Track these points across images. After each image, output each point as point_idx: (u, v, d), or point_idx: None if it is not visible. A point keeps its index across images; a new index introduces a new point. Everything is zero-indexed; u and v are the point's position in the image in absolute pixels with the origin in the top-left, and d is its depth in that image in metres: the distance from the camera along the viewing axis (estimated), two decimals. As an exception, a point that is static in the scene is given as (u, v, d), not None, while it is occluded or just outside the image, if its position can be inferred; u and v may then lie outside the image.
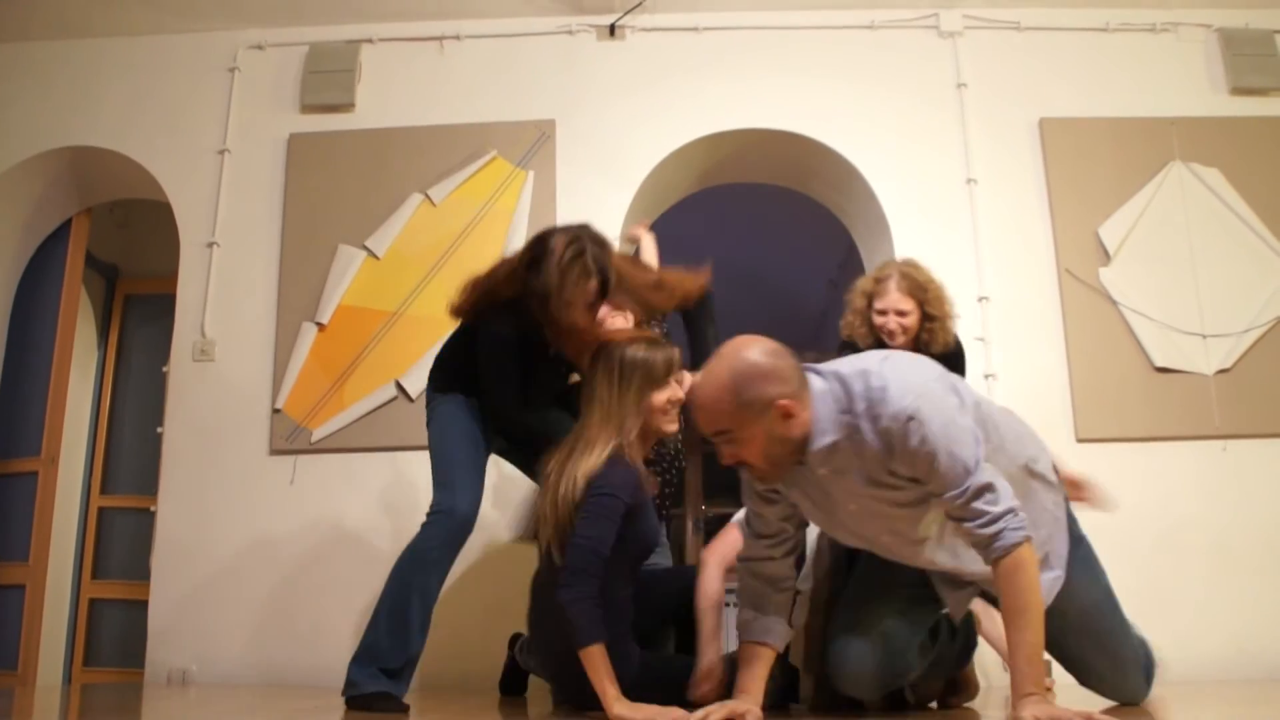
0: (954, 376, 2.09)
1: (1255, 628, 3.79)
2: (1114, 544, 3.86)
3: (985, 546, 1.90)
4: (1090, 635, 2.26)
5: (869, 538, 2.16)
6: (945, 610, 2.32)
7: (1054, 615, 2.00)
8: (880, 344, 3.30)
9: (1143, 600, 3.78)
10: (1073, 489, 2.52)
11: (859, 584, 2.38)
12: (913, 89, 4.42)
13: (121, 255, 5.61)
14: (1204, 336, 4.09)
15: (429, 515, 2.77)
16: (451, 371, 2.93)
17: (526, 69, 4.47)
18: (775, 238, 6.32)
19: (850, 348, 3.44)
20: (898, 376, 1.96)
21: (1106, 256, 4.19)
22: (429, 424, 2.92)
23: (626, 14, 4.46)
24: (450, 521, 2.74)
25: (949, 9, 4.49)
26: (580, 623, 2.14)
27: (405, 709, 2.60)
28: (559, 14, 4.52)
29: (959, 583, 2.25)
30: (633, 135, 4.37)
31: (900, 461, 1.94)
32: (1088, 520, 3.87)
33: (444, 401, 2.90)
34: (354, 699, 2.64)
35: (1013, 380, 4.07)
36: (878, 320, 3.30)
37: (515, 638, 3.16)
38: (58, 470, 4.65)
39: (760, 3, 4.48)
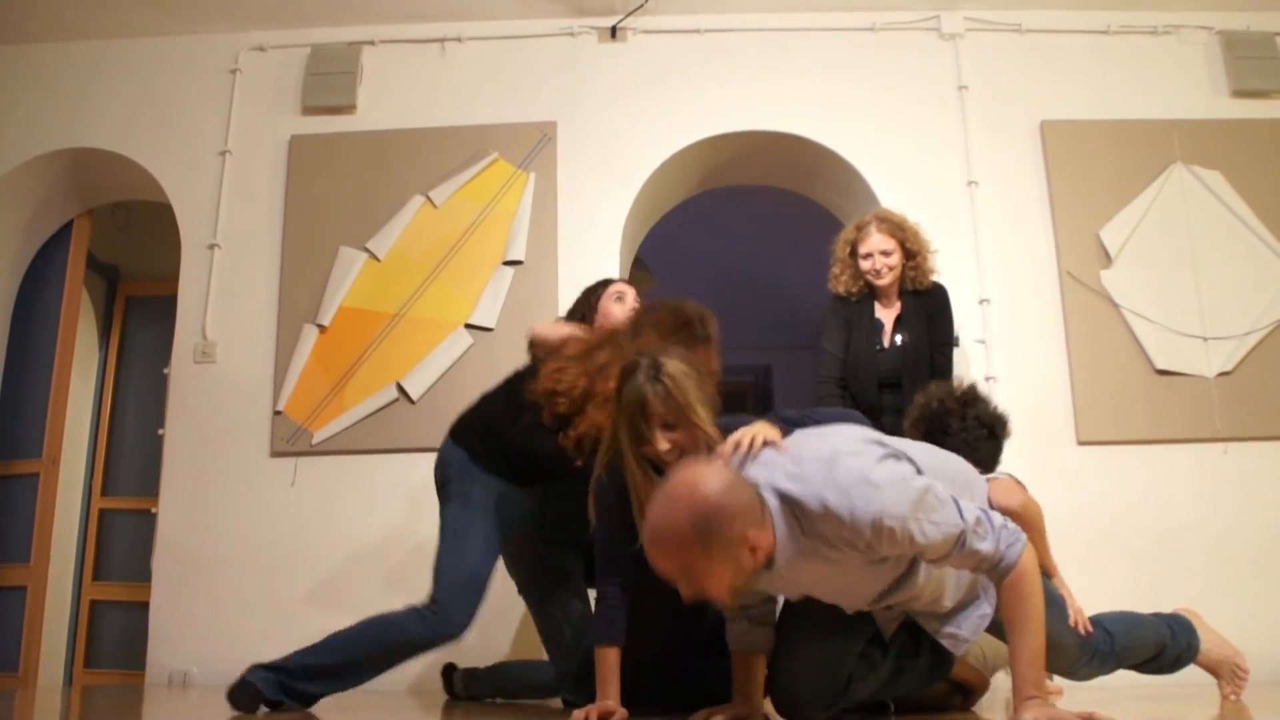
0: (882, 437, 2.03)
1: (1256, 630, 3.78)
2: (1115, 546, 3.90)
3: (991, 573, 1.90)
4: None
5: (834, 592, 2.13)
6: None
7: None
8: (869, 289, 3.59)
9: (1143, 602, 3.78)
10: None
11: (786, 611, 2.31)
12: (914, 91, 4.42)
13: (123, 257, 5.61)
14: (1205, 339, 4.09)
15: (431, 609, 2.65)
16: (519, 458, 2.77)
17: (528, 71, 4.48)
18: (776, 240, 6.31)
19: (841, 301, 3.64)
20: (847, 478, 1.85)
21: (1108, 259, 4.19)
22: (458, 496, 2.75)
23: (628, 16, 4.47)
24: (445, 632, 2.67)
25: (950, 11, 4.49)
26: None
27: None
28: (560, 16, 4.52)
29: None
30: (634, 137, 4.37)
31: (887, 550, 1.89)
32: (1088, 521, 3.89)
33: (485, 484, 2.75)
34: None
35: (1014, 383, 4.06)
36: (864, 265, 3.56)
37: (449, 669, 3.25)
38: (59, 472, 4.65)
39: (761, 5, 4.48)
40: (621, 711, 2.17)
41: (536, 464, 2.76)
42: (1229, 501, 3.94)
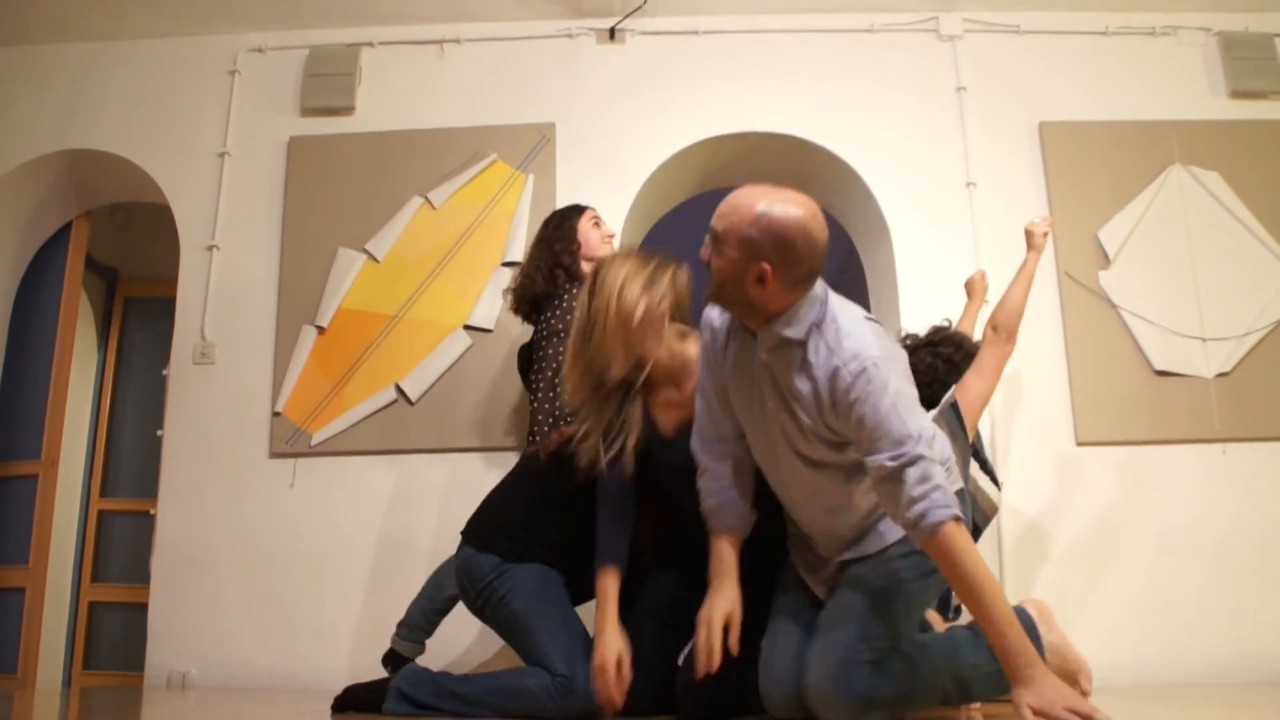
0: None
1: (1255, 630, 3.79)
2: (1114, 547, 3.90)
3: (911, 526, 1.91)
4: (840, 609, 2.14)
5: (786, 480, 2.21)
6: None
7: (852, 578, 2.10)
8: None
9: (1143, 603, 3.81)
10: None
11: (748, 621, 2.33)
12: (912, 92, 4.43)
13: (121, 258, 5.62)
14: (1204, 340, 4.09)
15: (560, 682, 2.54)
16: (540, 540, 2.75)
17: (526, 72, 4.48)
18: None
19: None
20: (874, 336, 2.03)
21: (1106, 260, 4.19)
22: (510, 592, 2.66)
23: (626, 17, 4.47)
24: (567, 700, 2.52)
25: (948, 12, 4.49)
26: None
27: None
28: (559, 17, 4.52)
29: (816, 564, 2.26)
30: (633, 138, 4.37)
31: (837, 412, 1.98)
32: (1087, 522, 3.89)
33: (528, 570, 2.70)
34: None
35: (1012, 383, 4.07)
36: None
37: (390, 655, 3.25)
38: (57, 473, 4.65)
39: (760, 6, 4.48)
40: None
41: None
42: (1228, 502, 3.94)
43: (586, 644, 2.60)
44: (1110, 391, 4.05)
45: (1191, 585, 3.85)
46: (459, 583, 2.80)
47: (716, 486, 2.30)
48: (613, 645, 2.40)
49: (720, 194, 5.23)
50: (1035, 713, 1.76)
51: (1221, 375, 4.06)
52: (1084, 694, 2.05)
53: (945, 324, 3.23)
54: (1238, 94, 4.40)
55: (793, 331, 2.07)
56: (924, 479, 1.90)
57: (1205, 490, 3.95)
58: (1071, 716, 1.74)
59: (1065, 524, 3.93)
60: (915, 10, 4.49)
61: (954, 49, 4.47)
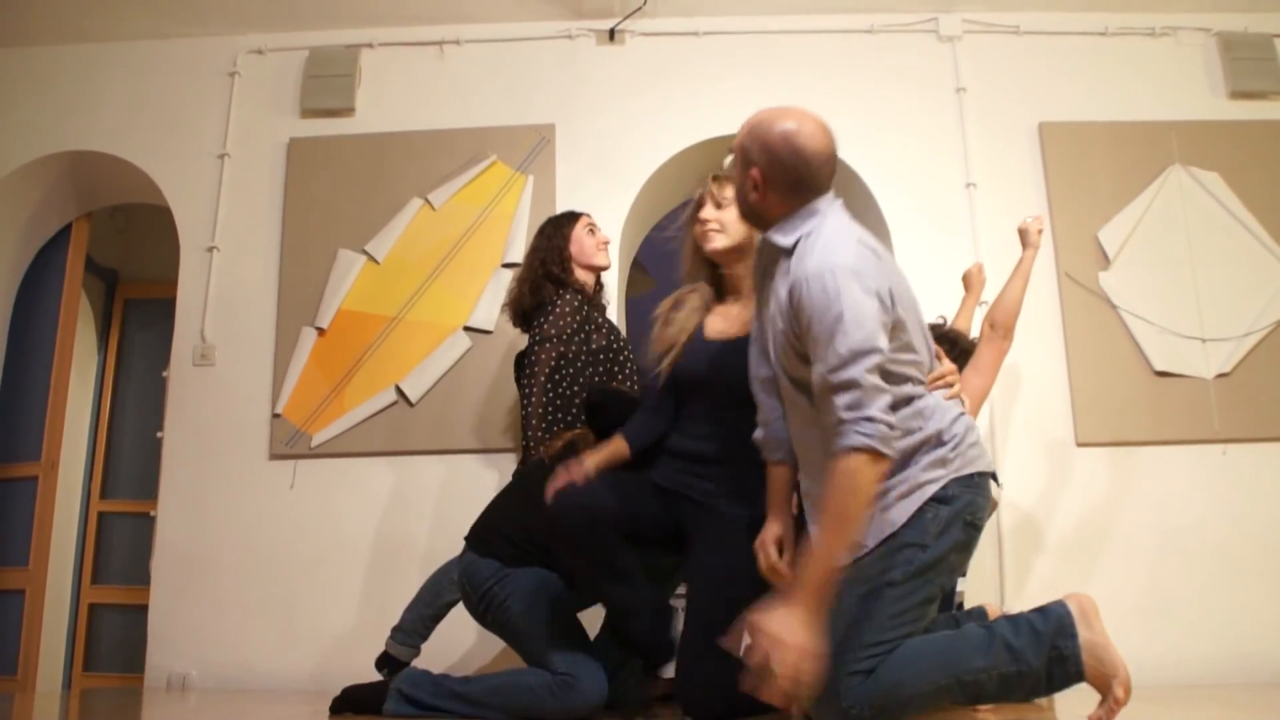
0: (907, 289, 2.11)
1: (1255, 631, 3.79)
2: (1114, 548, 3.90)
3: (832, 439, 1.91)
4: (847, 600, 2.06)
5: (789, 408, 2.22)
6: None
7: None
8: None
9: (1143, 603, 3.81)
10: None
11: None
12: (912, 93, 4.43)
13: (121, 260, 5.62)
14: (1203, 340, 4.09)
15: (563, 679, 2.56)
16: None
17: (526, 73, 4.48)
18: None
19: None
20: (852, 249, 2.03)
21: (1106, 260, 4.19)
22: (511, 595, 2.67)
23: (626, 18, 4.47)
24: (570, 701, 2.54)
25: (948, 13, 4.49)
26: None
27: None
28: (559, 18, 4.52)
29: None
30: (632, 139, 4.37)
31: (796, 320, 2.00)
32: (1087, 523, 3.89)
33: (529, 574, 2.71)
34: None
35: (1012, 383, 4.06)
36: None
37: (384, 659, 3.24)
38: (58, 475, 4.65)
39: (760, 7, 4.48)
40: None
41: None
42: (1228, 502, 3.94)
43: (587, 645, 2.62)
44: (1110, 392, 4.05)
45: (1192, 586, 3.85)
46: (461, 587, 2.80)
47: (766, 418, 2.35)
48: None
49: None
50: (750, 627, 1.83)
51: (1221, 376, 4.06)
52: (1117, 702, 1.96)
53: (940, 321, 3.23)
54: (1237, 94, 4.39)
55: (781, 239, 2.13)
56: (854, 406, 1.88)
57: (1205, 491, 3.95)
58: (760, 650, 1.79)
59: (1065, 524, 3.93)
60: (915, 11, 4.49)
61: (954, 49, 4.47)
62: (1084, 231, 4.22)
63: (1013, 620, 2.01)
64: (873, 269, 2.01)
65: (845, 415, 1.89)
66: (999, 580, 3.86)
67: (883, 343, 1.94)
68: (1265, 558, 3.88)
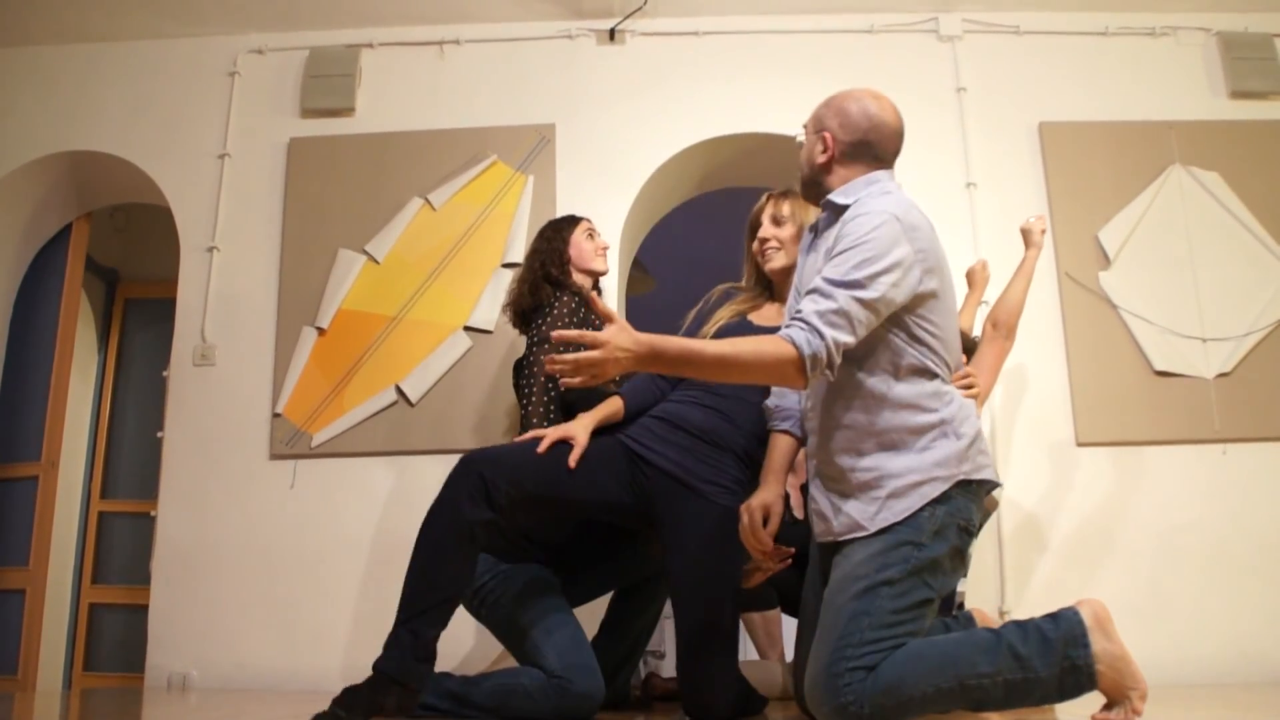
0: (949, 276, 2.13)
1: (1255, 631, 3.79)
2: (1114, 548, 3.90)
3: (788, 316, 2.00)
4: (842, 595, 2.05)
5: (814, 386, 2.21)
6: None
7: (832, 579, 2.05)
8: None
9: (1143, 603, 3.81)
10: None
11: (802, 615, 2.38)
12: (912, 93, 4.41)
13: (122, 260, 5.62)
14: (1204, 340, 4.09)
15: (557, 681, 2.53)
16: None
17: (526, 73, 4.48)
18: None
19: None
20: (905, 208, 2.08)
21: (1106, 260, 4.19)
22: (501, 586, 2.69)
23: (626, 18, 4.47)
24: (563, 700, 2.51)
25: (948, 13, 4.49)
26: None
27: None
28: (559, 18, 4.52)
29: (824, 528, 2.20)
30: (633, 139, 4.37)
31: (835, 245, 2.04)
32: (1087, 523, 3.89)
33: (519, 568, 2.74)
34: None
35: (1013, 383, 4.07)
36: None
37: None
38: (58, 475, 4.65)
39: (760, 7, 4.49)
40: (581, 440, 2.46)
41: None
42: (1228, 502, 3.94)
43: (582, 644, 2.61)
44: (1110, 392, 4.05)
45: (1192, 585, 3.85)
46: None
47: (779, 390, 2.40)
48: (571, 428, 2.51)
49: (720, 194, 5.27)
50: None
51: (1222, 375, 4.06)
52: (1135, 712, 1.93)
53: None
54: (1237, 94, 4.40)
55: (840, 197, 2.18)
56: (821, 317, 1.92)
57: (1205, 491, 3.95)
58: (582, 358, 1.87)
59: (1065, 524, 3.93)
60: (915, 11, 4.49)
61: (954, 49, 4.47)
62: (1084, 231, 4.22)
63: (1021, 626, 1.97)
64: (924, 235, 2.05)
65: (805, 314, 1.94)
66: (1000, 580, 3.87)
67: (887, 292, 1.96)
68: (1265, 557, 3.88)
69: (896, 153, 2.26)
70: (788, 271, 2.67)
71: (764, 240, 2.72)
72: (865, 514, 2.04)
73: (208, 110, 4.49)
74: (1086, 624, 1.97)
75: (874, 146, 2.23)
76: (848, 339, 1.93)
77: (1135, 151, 4.30)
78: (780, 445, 2.38)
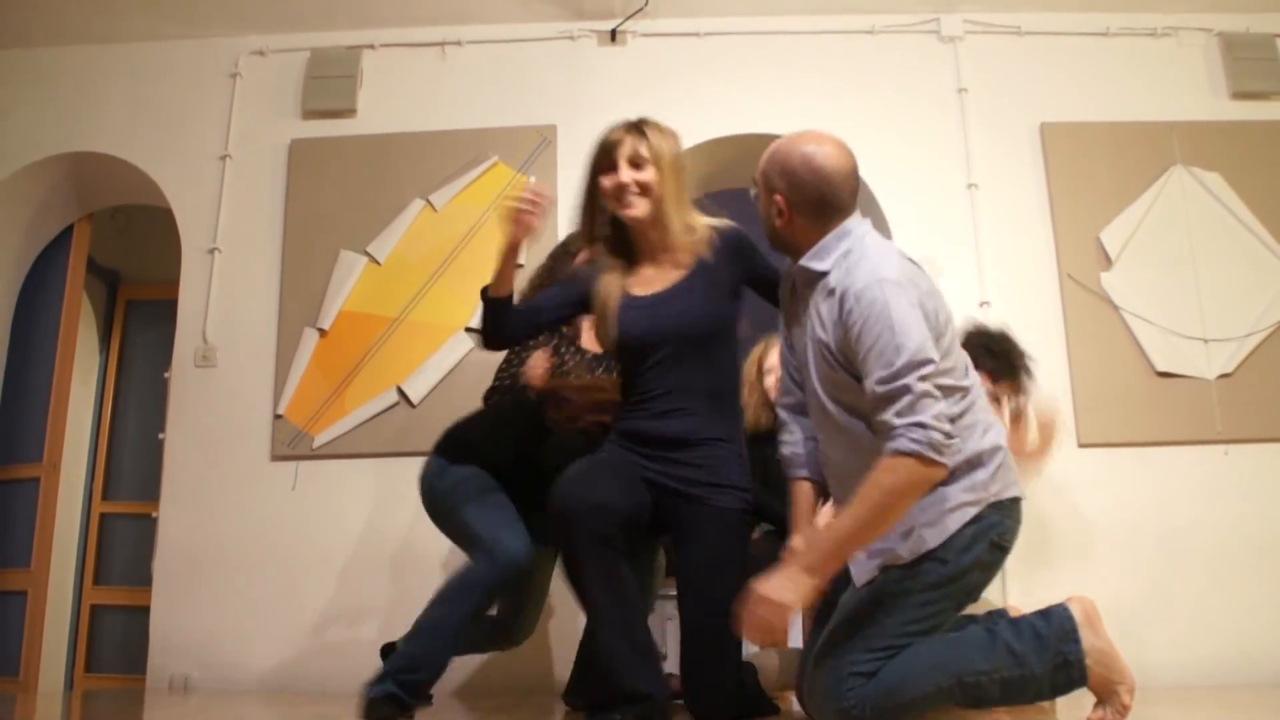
0: (944, 304, 2.11)
1: (1257, 632, 3.79)
2: (1116, 549, 3.90)
3: (884, 432, 1.90)
4: (842, 610, 2.09)
5: (826, 436, 2.20)
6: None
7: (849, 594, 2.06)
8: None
9: (1144, 604, 3.80)
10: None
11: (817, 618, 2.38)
12: (913, 94, 4.42)
13: (123, 261, 5.62)
14: (1205, 341, 4.09)
15: (485, 553, 2.64)
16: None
17: (528, 74, 4.48)
18: (776, 242, 6.32)
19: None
20: (895, 261, 2.04)
21: (1108, 261, 4.19)
22: (449, 487, 2.82)
23: (627, 19, 4.47)
24: (508, 563, 2.61)
25: (949, 14, 4.49)
26: None
27: (409, 713, 2.58)
28: (560, 19, 4.52)
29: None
30: (634, 140, 4.36)
31: (846, 334, 1.99)
32: (1089, 524, 3.89)
33: (467, 470, 2.86)
34: (367, 704, 2.58)
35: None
36: (767, 381, 3.38)
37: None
38: (59, 476, 4.65)
39: (761, 8, 4.48)
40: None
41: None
42: (1230, 503, 3.94)
43: (510, 515, 2.72)
44: (1112, 392, 4.05)
45: (1193, 586, 3.85)
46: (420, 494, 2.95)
47: (794, 438, 2.33)
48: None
49: (721, 196, 5.25)
50: (751, 595, 1.89)
51: (1223, 376, 4.06)
52: (1124, 707, 1.96)
53: (979, 326, 3.30)
54: (1239, 95, 4.39)
55: (819, 264, 2.13)
56: (905, 412, 1.88)
57: (1207, 491, 3.95)
58: (754, 616, 1.86)
59: (1066, 525, 3.93)
60: (916, 12, 4.49)
61: (955, 50, 4.47)
62: (1086, 232, 4.21)
63: (1014, 623, 1.99)
64: (917, 284, 2.03)
65: (896, 422, 1.88)
66: (1001, 581, 3.86)
67: (934, 353, 1.93)
68: (1267, 558, 3.87)
69: (854, 192, 2.19)
70: (651, 224, 2.53)
71: (623, 186, 2.54)
72: (901, 546, 2.03)
73: (209, 112, 4.49)
74: (1077, 620, 1.98)
75: (829, 200, 2.15)
76: (938, 404, 1.90)
77: (1137, 152, 4.29)
78: (802, 493, 2.30)
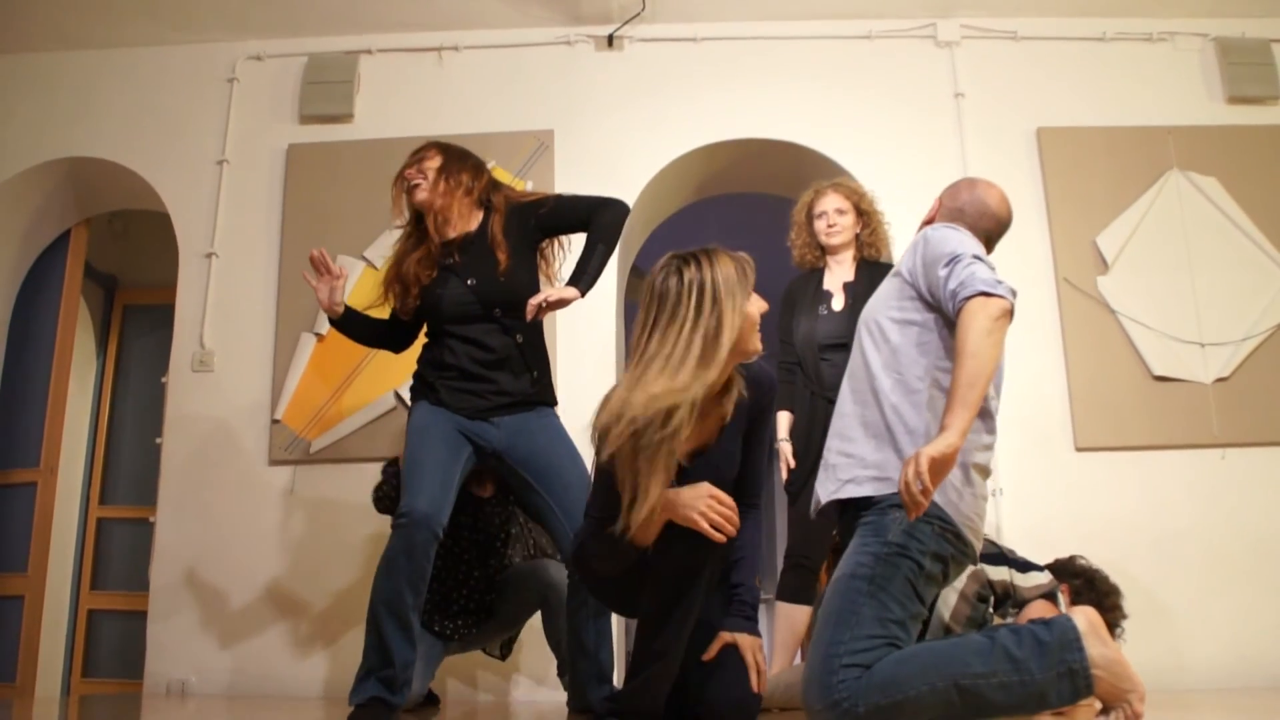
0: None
1: (1254, 635, 3.79)
2: (1112, 552, 3.89)
3: (952, 302, 2.14)
4: (832, 597, 2.10)
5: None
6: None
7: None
8: (822, 259, 3.61)
9: (1142, 608, 3.80)
10: None
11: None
12: (910, 99, 4.43)
13: (120, 266, 5.62)
14: (1202, 345, 4.09)
15: (394, 522, 2.64)
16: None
17: (525, 79, 4.48)
18: (773, 248, 6.31)
19: (791, 288, 3.68)
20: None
21: (1104, 265, 4.19)
22: (408, 430, 2.84)
23: (625, 24, 4.47)
24: (410, 522, 2.59)
25: (946, 19, 4.50)
26: None
27: (392, 713, 2.58)
28: (557, 25, 4.52)
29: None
30: (631, 145, 4.38)
31: (909, 258, 2.31)
32: (1086, 528, 3.89)
33: (417, 408, 2.87)
34: (352, 713, 2.58)
35: (1011, 389, 4.04)
36: (817, 225, 3.58)
37: None
38: (56, 480, 4.65)
39: (758, 13, 4.49)
40: None
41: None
42: (1226, 507, 3.95)
43: (428, 469, 2.67)
44: (1109, 397, 4.05)
45: (1190, 590, 3.85)
46: None
47: None
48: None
49: (718, 201, 5.27)
50: (922, 464, 1.93)
51: (1220, 380, 4.06)
52: (1135, 715, 1.94)
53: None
54: (1235, 99, 4.40)
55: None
56: (962, 273, 2.14)
57: (1204, 495, 3.96)
58: (917, 476, 1.92)
59: (1064, 529, 3.92)
60: (913, 17, 4.50)
61: (952, 55, 4.48)
62: (1082, 236, 4.22)
63: (1015, 630, 1.98)
64: (964, 235, 2.31)
65: (954, 285, 2.13)
66: (998, 585, 3.86)
67: (973, 246, 2.24)
68: (1264, 562, 3.88)
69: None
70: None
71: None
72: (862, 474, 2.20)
73: (207, 116, 4.49)
74: (1080, 629, 1.97)
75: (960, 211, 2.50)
76: (985, 268, 2.19)
77: (1133, 156, 4.30)
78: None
